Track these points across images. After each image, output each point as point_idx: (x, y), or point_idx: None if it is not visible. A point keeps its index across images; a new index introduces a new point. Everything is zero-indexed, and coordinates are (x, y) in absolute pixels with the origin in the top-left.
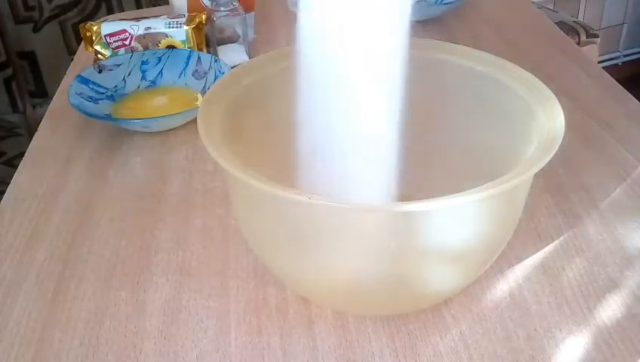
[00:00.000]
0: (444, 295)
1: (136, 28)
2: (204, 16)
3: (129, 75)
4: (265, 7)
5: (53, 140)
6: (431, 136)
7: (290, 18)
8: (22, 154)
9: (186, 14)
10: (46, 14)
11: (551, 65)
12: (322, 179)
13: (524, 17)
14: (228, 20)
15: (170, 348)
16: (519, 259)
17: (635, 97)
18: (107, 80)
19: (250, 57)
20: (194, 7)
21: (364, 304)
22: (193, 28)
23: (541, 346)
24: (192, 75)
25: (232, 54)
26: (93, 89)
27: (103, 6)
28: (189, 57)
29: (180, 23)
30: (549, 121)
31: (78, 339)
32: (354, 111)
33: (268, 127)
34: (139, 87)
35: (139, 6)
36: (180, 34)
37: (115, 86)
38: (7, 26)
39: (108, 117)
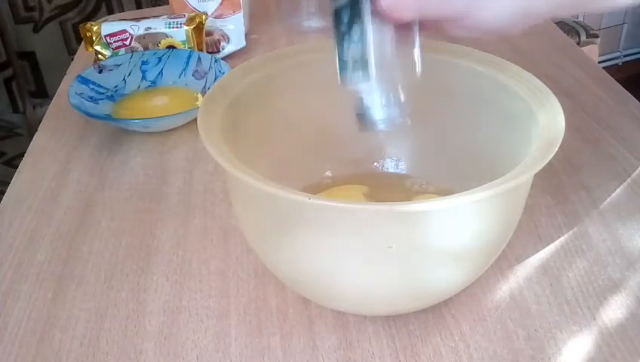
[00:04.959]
0: (444, 295)
1: (137, 28)
2: (204, 17)
3: (129, 75)
4: (264, 6)
5: (53, 140)
6: (431, 136)
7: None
8: (22, 155)
9: (186, 14)
10: (46, 14)
11: (551, 65)
12: None
13: None
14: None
15: (170, 348)
16: (519, 259)
17: (635, 97)
18: (107, 80)
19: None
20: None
21: (364, 304)
22: (193, 28)
23: (541, 346)
24: (192, 75)
25: None
26: (93, 89)
27: (103, 6)
28: (189, 57)
29: (180, 24)
30: (549, 121)
31: (78, 339)
32: None
33: (268, 127)
34: (139, 87)
35: (139, 6)
36: (180, 34)
37: (116, 86)
38: (7, 26)
39: (108, 117)
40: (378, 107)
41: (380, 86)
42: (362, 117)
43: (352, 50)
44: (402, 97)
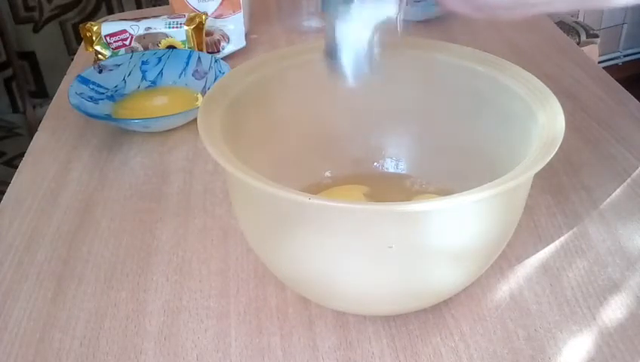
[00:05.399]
0: (444, 295)
1: (137, 28)
2: (204, 17)
3: (129, 75)
4: (264, 6)
5: (53, 140)
6: (431, 136)
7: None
8: (22, 155)
9: (186, 14)
10: (46, 14)
11: (551, 65)
12: None
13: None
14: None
15: (171, 348)
16: (519, 259)
17: (635, 97)
18: (107, 80)
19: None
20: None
21: (364, 304)
22: (193, 28)
23: (541, 346)
24: (192, 75)
25: None
26: (93, 89)
27: (103, 6)
28: (189, 57)
29: (180, 23)
30: (549, 121)
31: (78, 339)
32: None
33: (268, 127)
34: (139, 87)
35: (139, 6)
36: (180, 34)
37: (116, 86)
38: (7, 26)
39: (108, 117)
40: (349, 50)
41: (358, 27)
42: (330, 55)
43: None
44: (377, 51)
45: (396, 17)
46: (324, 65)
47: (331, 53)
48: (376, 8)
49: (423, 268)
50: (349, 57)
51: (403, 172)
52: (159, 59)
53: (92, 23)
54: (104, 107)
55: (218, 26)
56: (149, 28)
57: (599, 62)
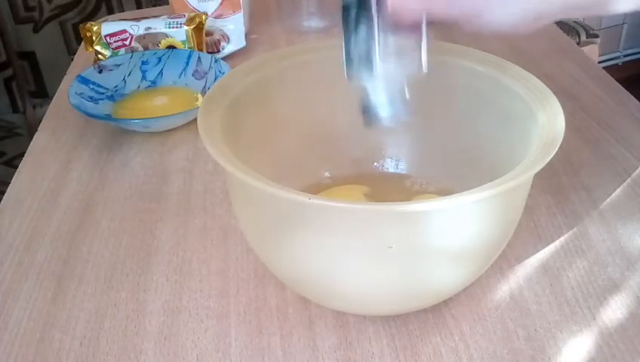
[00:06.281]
0: (444, 295)
1: (137, 28)
2: (204, 17)
3: (129, 75)
4: (264, 6)
5: (53, 140)
6: (431, 136)
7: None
8: (22, 155)
9: (186, 14)
10: (46, 14)
11: (551, 65)
12: None
13: None
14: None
15: (171, 348)
16: (519, 259)
17: (635, 97)
18: (107, 80)
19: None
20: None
21: (364, 304)
22: (193, 28)
23: (541, 346)
24: (192, 75)
25: None
26: (93, 89)
27: (103, 6)
28: (189, 57)
29: (180, 23)
30: (549, 121)
31: (78, 339)
32: None
33: (268, 127)
34: (139, 87)
35: (139, 6)
36: (180, 34)
37: (116, 86)
38: (7, 26)
39: (108, 117)
40: (383, 104)
41: (385, 84)
42: (367, 113)
43: (358, 48)
44: (407, 95)
45: (420, 61)
46: (363, 121)
47: (368, 112)
48: (399, 64)
49: (423, 268)
50: (384, 110)
51: (403, 172)
52: (159, 59)
53: (92, 22)
54: (104, 107)
55: (218, 26)
56: (149, 28)
57: (599, 62)
